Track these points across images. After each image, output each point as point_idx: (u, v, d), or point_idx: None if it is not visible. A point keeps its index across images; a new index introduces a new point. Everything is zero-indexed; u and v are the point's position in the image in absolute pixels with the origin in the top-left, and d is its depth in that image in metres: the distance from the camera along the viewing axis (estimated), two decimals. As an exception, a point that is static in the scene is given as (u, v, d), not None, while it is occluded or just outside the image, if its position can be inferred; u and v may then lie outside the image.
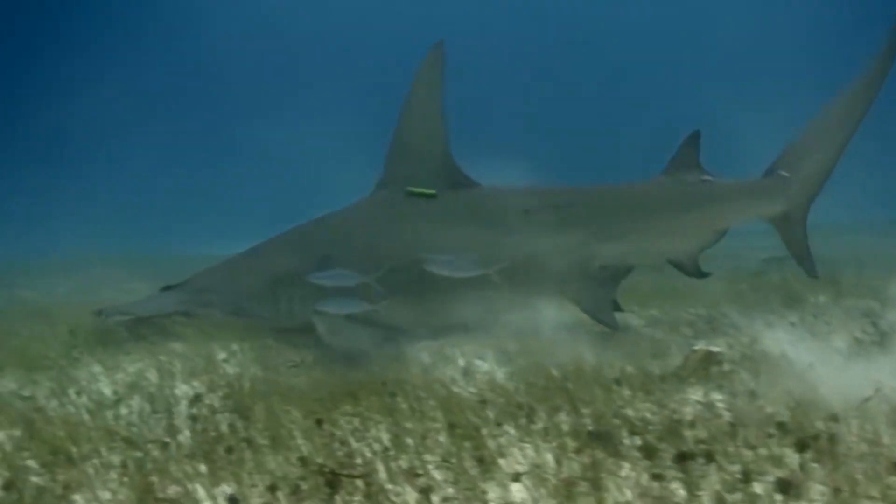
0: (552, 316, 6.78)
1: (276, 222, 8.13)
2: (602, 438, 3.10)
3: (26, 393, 4.52)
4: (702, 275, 6.65)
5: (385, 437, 3.39)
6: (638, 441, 3.12)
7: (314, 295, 5.69)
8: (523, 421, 3.53)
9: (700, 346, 4.59)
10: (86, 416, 3.87)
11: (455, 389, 4.21)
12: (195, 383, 4.52)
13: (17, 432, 3.62)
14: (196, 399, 4.09)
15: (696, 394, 3.96)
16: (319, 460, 3.05)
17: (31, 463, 3.25)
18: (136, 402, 4.14)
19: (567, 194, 6.76)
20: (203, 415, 3.82)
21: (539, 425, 3.45)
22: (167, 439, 3.41)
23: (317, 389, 4.20)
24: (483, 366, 4.93)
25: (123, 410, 4.01)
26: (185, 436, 3.50)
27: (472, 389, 4.23)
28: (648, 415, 3.58)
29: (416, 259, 5.69)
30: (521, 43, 43.09)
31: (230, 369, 4.84)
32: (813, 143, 6.68)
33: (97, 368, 4.99)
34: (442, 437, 3.34)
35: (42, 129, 39.71)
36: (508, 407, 3.72)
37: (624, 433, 3.25)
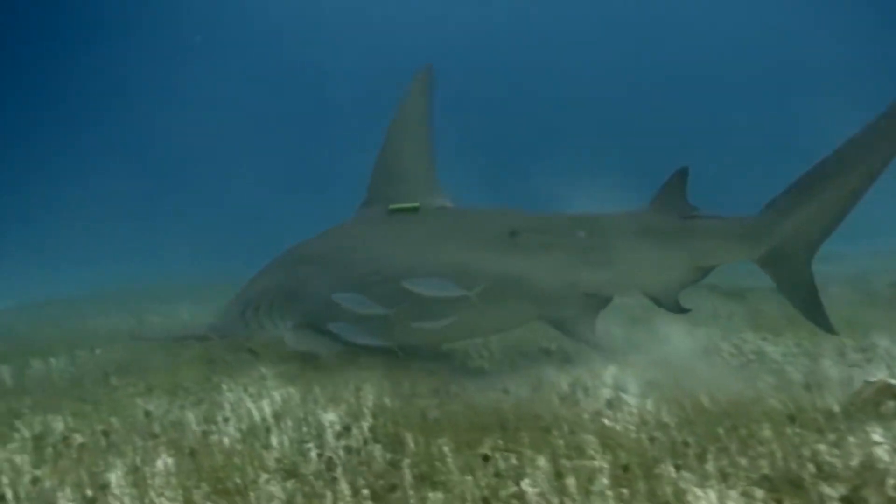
0: (685, 342, 6.59)
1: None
2: (793, 485, 2.86)
3: (174, 417, 4.63)
4: (681, 311, 6.36)
5: (548, 475, 3.25)
6: (832, 490, 2.86)
7: (282, 313, 6.26)
8: (693, 461, 3.32)
9: (881, 376, 4.22)
10: (238, 445, 3.91)
11: (606, 423, 4.03)
12: (338, 411, 4.51)
13: (182, 459, 3.68)
14: (345, 430, 4.06)
15: (877, 433, 3.63)
16: (484, 497, 2.95)
17: (198, 494, 3.28)
18: (285, 429, 4.15)
19: (552, 219, 6.63)
20: (356, 446, 3.78)
21: (712, 466, 3.23)
22: (331, 472, 3.38)
23: (462, 420, 4.10)
24: (629, 398, 4.72)
25: (274, 439, 4.02)
26: (342, 468, 3.47)
27: (626, 423, 4.04)
28: (829, 457, 3.30)
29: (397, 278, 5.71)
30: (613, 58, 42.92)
31: (369, 397, 4.81)
32: (822, 182, 5.96)
33: (240, 394, 5.06)
34: (608, 479, 3.17)
35: (157, 156, 42.20)
36: (673, 445, 3.51)
37: (811, 478, 2.99)
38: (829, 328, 5.98)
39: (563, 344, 6.77)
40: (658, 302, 6.39)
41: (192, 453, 3.71)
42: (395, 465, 3.46)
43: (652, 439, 3.58)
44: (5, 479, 3.47)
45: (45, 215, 36.61)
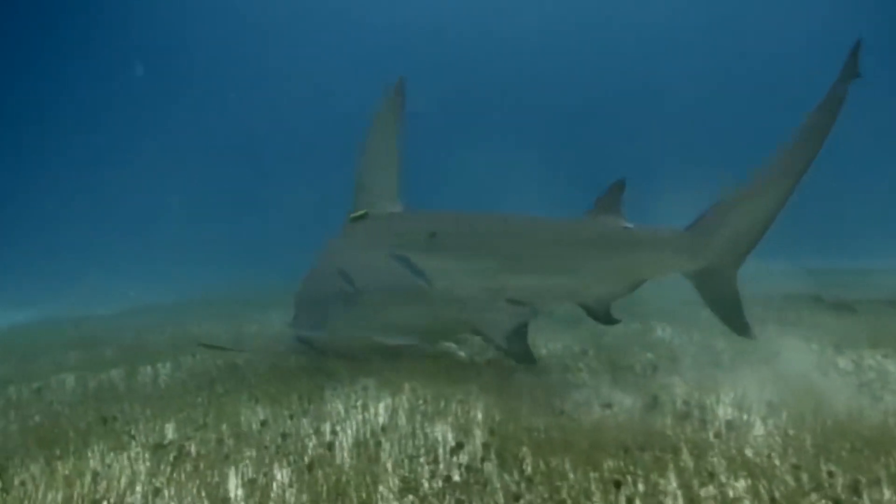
0: (797, 358, 6.28)
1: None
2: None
3: (283, 428, 4.61)
4: (611, 321, 6.28)
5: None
6: None
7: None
8: (846, 494, 3.06)
9: None
10: (351, 459, 3.85)
11: (734, 445, 3.79)
12: (447, 425, 4.41)
13: (298, 473, 3.65)
14: (458, 446, 3.95)
15: None
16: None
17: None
18: (395, 443, 4.08)
19: (481, 220, 6.75)
20: (471, 463, 3.67)
21: (869, 502, 2.97)
22: (449, 490, 3.28)
23: (575, 437, 3.93)
24: (751, 418, 4.44)
25: (385, 453, 3.95)
26: (461, 486, 3.36)
27: (755, 446, 3.79)
28: None
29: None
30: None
31: (476, 411, 4.69)
32: (748, 196, 5.93)
33: (346, 405, 5.03)
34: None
35: (252, 164, 43.49)
36: (817, 474, 3.26)
37: None
38: (751, 336, 6.09)
39: (664, 357, 6.53)
40: (590, 311, 6.32)
41: (309, 466, 3.68)
42: (515, 485, 3.34)
43: (795, 467, 3.33)
44: (130, 489, 3.52)
45: (146, 225, 38.30)
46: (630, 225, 6.18)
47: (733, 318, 6.14)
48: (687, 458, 3.57)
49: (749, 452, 3.68)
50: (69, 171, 44.73)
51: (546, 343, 7.47)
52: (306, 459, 3.83)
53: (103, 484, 3.57)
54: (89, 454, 4.13)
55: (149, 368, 6.97)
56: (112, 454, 4.15)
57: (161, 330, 10.49)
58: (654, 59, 45.96)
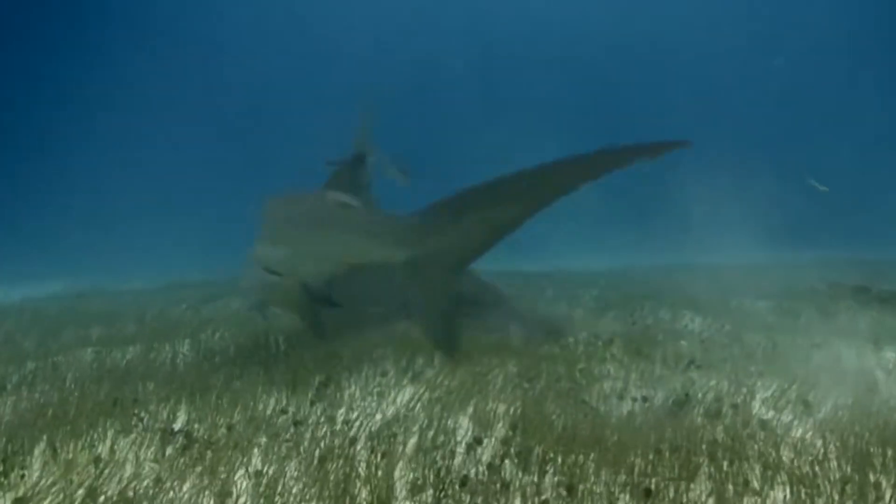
0: (835, 353, 6.02)
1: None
2: None
3: (297, 416, 4.46)
4: (332, 305, 6.09)
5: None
6: None
7: None
8: (891, 506, 2.82)
9: None
10: (365, 452, 3.68)
11: (771, 449, 3.55)
12: (466, 418, 4.22)
13: (308, 466, 3.49)
14: (476, 442, 3.76)
15: None
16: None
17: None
18: (411, 436, 3.90)
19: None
20: (490, 461, 3.48)
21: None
22: (466, 490, 3.09)
23: (601, 435, 3.72)
24: (787, 418, 4.19)
25: (401, 446, 3.77)
26: (477, 486, 3.17)
27: (793, 451, 3.54)
28: None
29: None
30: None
31: (497, 403, 4.49)
32: (486, 201, 5.37)
33: (363, 393, 4.86)
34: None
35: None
36: (863, 485, 3.01)
37: None
38: (450, 355, 5.50)
39: (694, 348, 6.28)
40: (307, 290, 6.13)
41: (321, 458, 3.51)
42: (536, 486, 3.14)
43: (840, 475, 3.09)
44: (133, 476, 3.38)
45: (176, 204, 38.59)
46: (353, 203, 5.96)
47: (440, 331, 5.62)
48: (721, 461, 3.35)
49: (787, 455, 3.45)
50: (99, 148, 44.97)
51: (572, 331, 7.24)
52: (318, 450, 3.66)
53: (104, 470, 3.43)
54: (95, 437, 4.00)
55: (167, 346, 6.88)
56: (119, 437, 4.01)
57: (184, 307, 10.46)
58: (689, 41, 45.03)
